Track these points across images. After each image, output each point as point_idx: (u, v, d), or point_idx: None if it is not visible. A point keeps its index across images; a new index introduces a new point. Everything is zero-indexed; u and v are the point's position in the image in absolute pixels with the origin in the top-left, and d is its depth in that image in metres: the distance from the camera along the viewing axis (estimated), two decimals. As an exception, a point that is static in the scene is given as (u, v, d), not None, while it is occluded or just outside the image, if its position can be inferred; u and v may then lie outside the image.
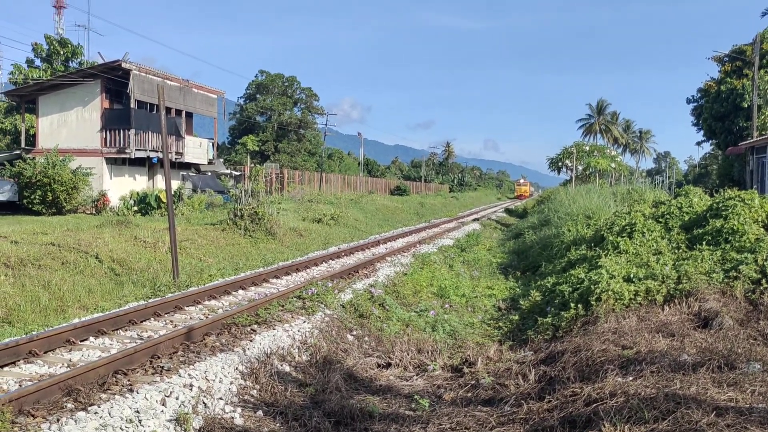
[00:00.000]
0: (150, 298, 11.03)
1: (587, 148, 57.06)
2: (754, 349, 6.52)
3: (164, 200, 24.63)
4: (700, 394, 5.08)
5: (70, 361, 7.32)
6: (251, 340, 8.20)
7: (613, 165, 52.84)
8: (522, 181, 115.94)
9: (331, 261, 16.62)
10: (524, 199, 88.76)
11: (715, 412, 4.63)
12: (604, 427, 4.73)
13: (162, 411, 5.80)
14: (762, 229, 10.89)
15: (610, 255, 11.55)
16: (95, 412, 5.57)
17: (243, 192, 20.79)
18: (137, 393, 6.04)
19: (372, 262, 15.83)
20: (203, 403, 6.21)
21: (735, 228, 10.71)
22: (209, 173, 34.49)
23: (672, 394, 5.09)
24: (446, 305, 12.08)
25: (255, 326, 8.99)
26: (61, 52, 40.15)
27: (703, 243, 10.81)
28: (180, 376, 6.64)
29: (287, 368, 7.65)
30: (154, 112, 29.17)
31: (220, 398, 6.40)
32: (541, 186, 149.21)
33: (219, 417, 6.04)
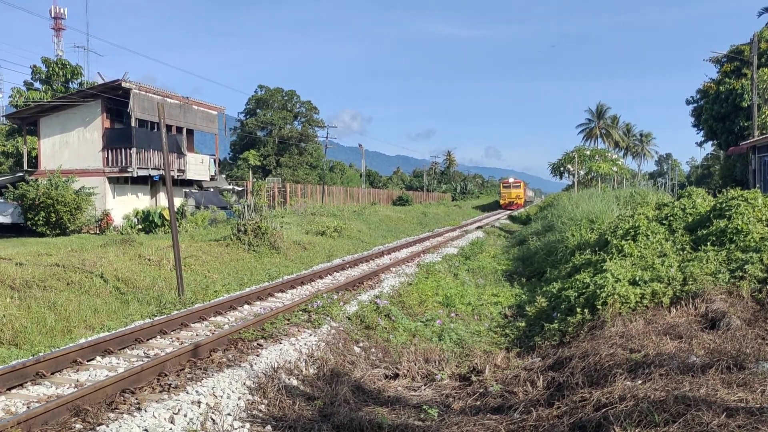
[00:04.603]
0: (156, 316, 11.03)
1: (588, 152, 57.15)
2: (762, 348, 6.49)
3: (167, 218, 24.70)
4: (709, 396, 5.06)
5: (78, 381, 7.32)
6: (258, 355, 8.19)
7: (614, 168, 52.88)
8: (511, 180, 76.41)
9: (335, 273, 16.62)
10: (516, 209, 66.14)
11: (725, 413, 4.60)
12: (615, 431, 4.71)
13: (171, 429, 5.79)
14: (766, 228, 10.86)
15: (615, 258, 11.53)
16: (104, 432, 5.56)
17: (246, 207, 20.85)
18: (145, 411, 6.03)
19: (377, 273, 15.81)
20: (212, 419, 6.19)
21: (739, 228, 10.70)
22: (212, 189, 34.59)
23: (681, 396, 5.06)
24: (452, 314, 12.05)
25: (261, 341, 8.98)
26: (61, 74, 40.42)
27: (708, 244, 10.79)
28: (188, 393, 6.63)
29: (295, 382, 7.63)
30: (155, 130, 29.30)
31: (229, 414, 6.39)
32: (544, 192, 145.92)
33: (228, 433, 6.02)
